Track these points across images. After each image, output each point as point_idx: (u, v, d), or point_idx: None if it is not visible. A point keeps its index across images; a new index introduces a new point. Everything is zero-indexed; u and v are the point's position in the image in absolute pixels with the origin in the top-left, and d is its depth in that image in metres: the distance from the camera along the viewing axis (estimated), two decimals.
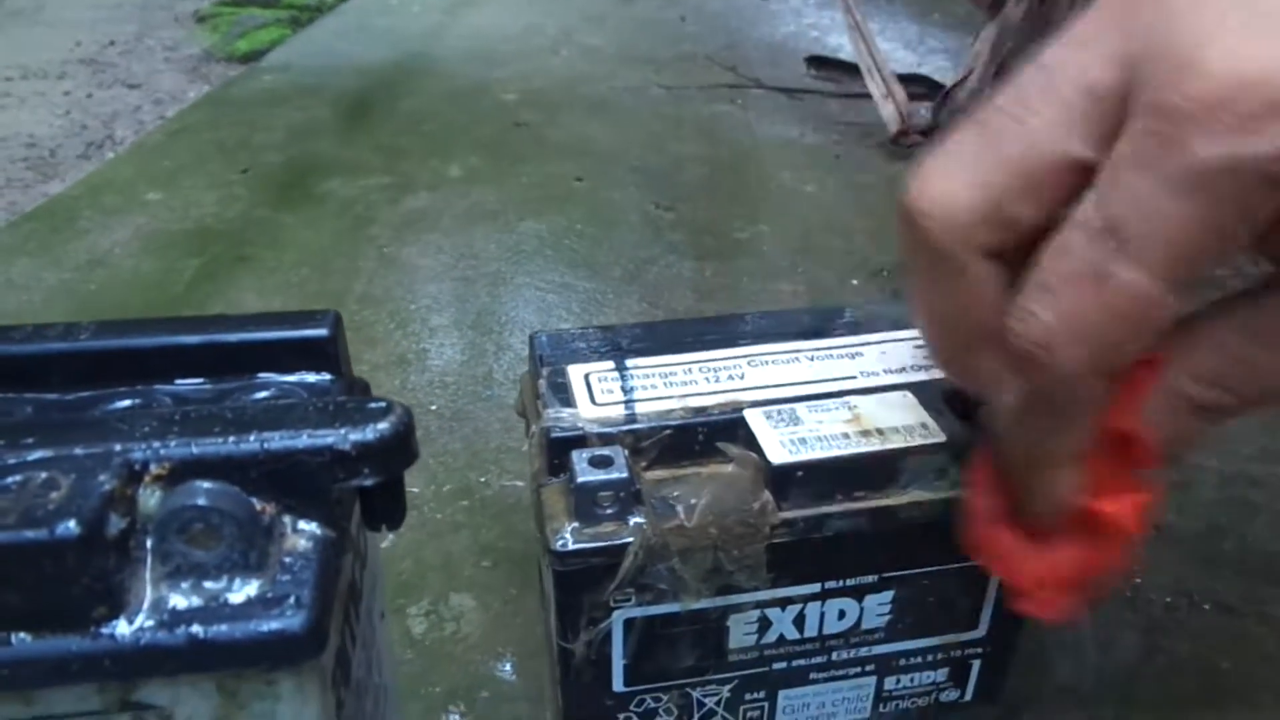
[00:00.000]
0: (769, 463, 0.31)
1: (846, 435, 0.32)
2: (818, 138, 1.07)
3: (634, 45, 1.42)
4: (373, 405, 0.20)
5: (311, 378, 0.24)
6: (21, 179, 1.15)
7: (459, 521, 0.50)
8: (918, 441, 0.32)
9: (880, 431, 0.32)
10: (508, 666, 0.42)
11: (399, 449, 0.20)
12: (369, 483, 0.20)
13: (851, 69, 1.14)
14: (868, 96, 1.07)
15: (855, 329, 0.38)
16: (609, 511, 0.30)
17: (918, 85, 1.15)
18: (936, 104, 1.07)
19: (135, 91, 1.44)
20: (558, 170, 0.97)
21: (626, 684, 0.34)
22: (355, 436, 0.19)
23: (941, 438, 0.32)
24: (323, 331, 0.24)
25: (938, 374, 0.35)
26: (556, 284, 0.75)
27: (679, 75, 1.27)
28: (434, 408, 0.60)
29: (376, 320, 0.71)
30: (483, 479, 0.54)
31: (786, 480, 0.31)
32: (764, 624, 0.33)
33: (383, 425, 0.20)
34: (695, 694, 0.35)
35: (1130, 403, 0.25)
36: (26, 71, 1.53)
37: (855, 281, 0.77)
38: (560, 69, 1.32)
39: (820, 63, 1.28)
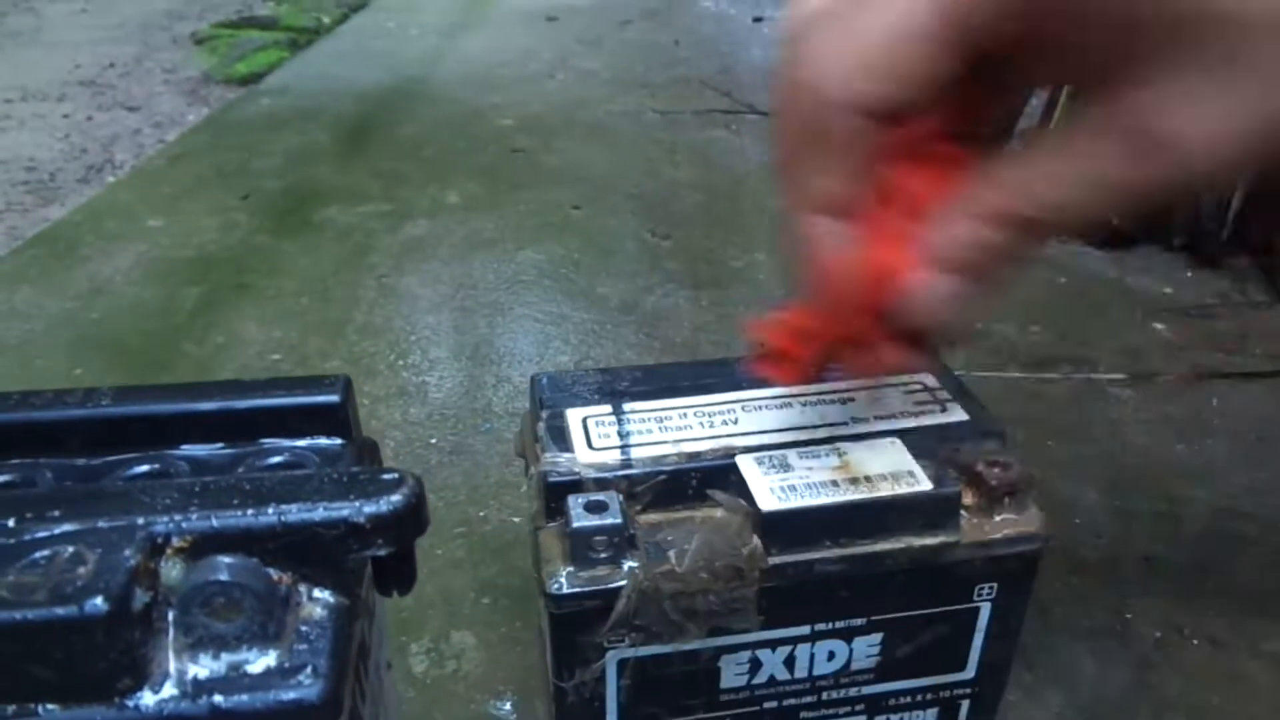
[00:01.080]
0: (759, 510, 0.32)
1: (835, 483, 0.33)
2: None
3: (629, 69, 1.43)
4: (385, 476, 0.21)
5: (324, 442, 0.25)
6: (21, 203, 1.16)
7: (459, 558, 0.51)
8: (904, 489, 0.33)
9: (868, 479, 0.33)
10: (507, 705, 0.43)
11: (411, 520, 0.21)
12: (382, 553, 0.21)
13: None
14: None
15: (848, 374, 0.39)
16: (603, 555, 0.31)
17: None
18: None
19: (135, 114, 1.45)
20: (555, 197, 0.98)
21: None
22: (369, 509, 0.20)
23: (928, 485, 0.33)
24: (334, 398, 0.25)
25: (927, 420, 0.36)
26: (555, 315, 0.76)
27: (673, 100, 1.29)
28: (433, 441, 0.61)
29: (376, 351, 0.72)
30: (482, 514, 0.54)
31: (776, 527, 0.32)
32: (755, 665, 0.34)
33: (395, 497, 0.21)
34: None
35: (911, 161, 0.28)
36: (26, 93, 1.54)
37: None
38: (556, 94, 1.33)
39: None
